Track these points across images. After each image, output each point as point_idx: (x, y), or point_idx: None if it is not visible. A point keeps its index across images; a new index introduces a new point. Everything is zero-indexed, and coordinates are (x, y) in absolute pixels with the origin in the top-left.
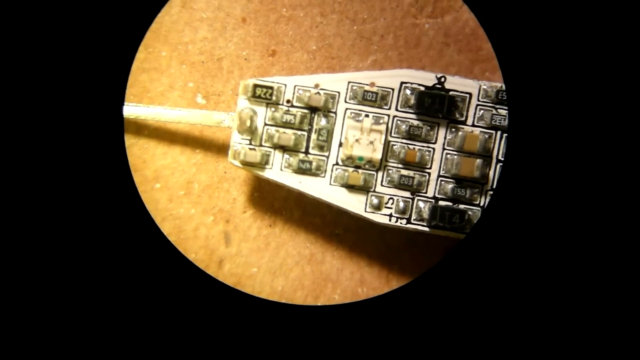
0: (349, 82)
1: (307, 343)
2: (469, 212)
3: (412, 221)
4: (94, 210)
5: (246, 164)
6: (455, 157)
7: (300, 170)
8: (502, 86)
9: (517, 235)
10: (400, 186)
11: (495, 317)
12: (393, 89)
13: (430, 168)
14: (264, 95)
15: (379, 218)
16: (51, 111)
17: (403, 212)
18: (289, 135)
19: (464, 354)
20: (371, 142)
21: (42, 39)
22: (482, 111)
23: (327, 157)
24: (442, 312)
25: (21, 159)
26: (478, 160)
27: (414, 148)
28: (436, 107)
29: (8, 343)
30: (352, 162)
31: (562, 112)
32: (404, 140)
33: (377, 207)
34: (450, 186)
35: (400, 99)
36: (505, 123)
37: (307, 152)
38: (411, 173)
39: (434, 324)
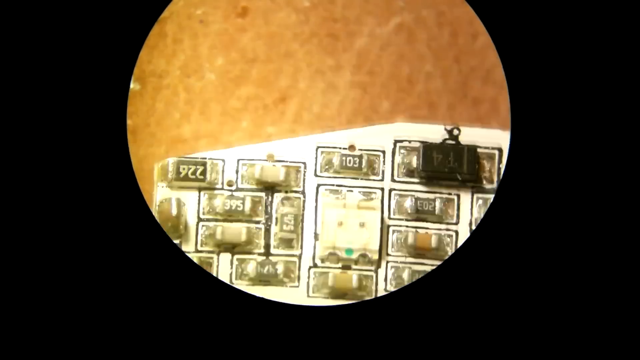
0: (318, 148)
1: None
2: None
3: None
4: None
5: None
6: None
7: (262, 279)
8: None
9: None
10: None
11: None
12: (384, 152)
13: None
14: (192, 175)
15: None
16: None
17: None
18: (237, 229)
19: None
20: (362, 225)
21: None
22: None
23: (299, 257)
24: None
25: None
26: None
27: (426, 231)
28: (451, 164)
29: None
30: (337, 259)
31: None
32: (411, 223)
33: None
34: None
35: (397, 164)
36: None
37: (267, 254)
38: (428, 268)
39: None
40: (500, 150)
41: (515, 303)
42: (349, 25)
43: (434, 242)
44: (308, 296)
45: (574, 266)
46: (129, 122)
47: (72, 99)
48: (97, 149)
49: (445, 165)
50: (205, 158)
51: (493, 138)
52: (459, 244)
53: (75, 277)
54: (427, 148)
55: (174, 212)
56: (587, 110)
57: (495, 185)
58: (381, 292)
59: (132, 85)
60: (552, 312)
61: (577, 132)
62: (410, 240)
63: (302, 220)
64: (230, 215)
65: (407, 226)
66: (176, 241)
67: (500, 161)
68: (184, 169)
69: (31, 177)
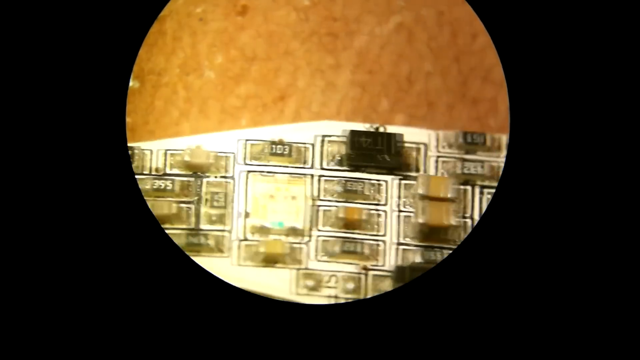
0: (246, 141)
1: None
2: None
3: None
4: None
5: None
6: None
7: (192, 247)
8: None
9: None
10: (343, 255)
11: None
12: (312, 144)
13: (384, 235)
14: None
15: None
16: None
17: (355, 290)
18: (167, 203)
19: None
20: (293, 198)
21: None
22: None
23: (229, 231)
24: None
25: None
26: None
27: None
28: (379, 147)
29: None
30: (268, 233)
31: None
32: (340, 201)
33: (314, 289)
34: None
35: (325, 154)
36: (482, 170)
37: (197, 229)
38: (357, 242)
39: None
40: (425, 145)
41: (516, 302)
42: (348, 24)
43: (363, 215)
44: (238, 264)
45: (575, 266)
46: (128, 119)
47: (71, 97)
48: (96, 147)
49: (374, 148)
50: (134, 146)
51: (418, 135)
52: (388, 224)
53: (73, 275)
54: (356, 133)
55: None
56: (586, 110)
57: (421, 172)
58: (312, 263)
59: (131, 83)
60: (552, 311)
61: (577, 131)
62: (340, 213)
63: (232, 198)
64: (159, 195)
65: (336, 206)
66: None
67: (426, 154)
68: None
69: (30, 175)
